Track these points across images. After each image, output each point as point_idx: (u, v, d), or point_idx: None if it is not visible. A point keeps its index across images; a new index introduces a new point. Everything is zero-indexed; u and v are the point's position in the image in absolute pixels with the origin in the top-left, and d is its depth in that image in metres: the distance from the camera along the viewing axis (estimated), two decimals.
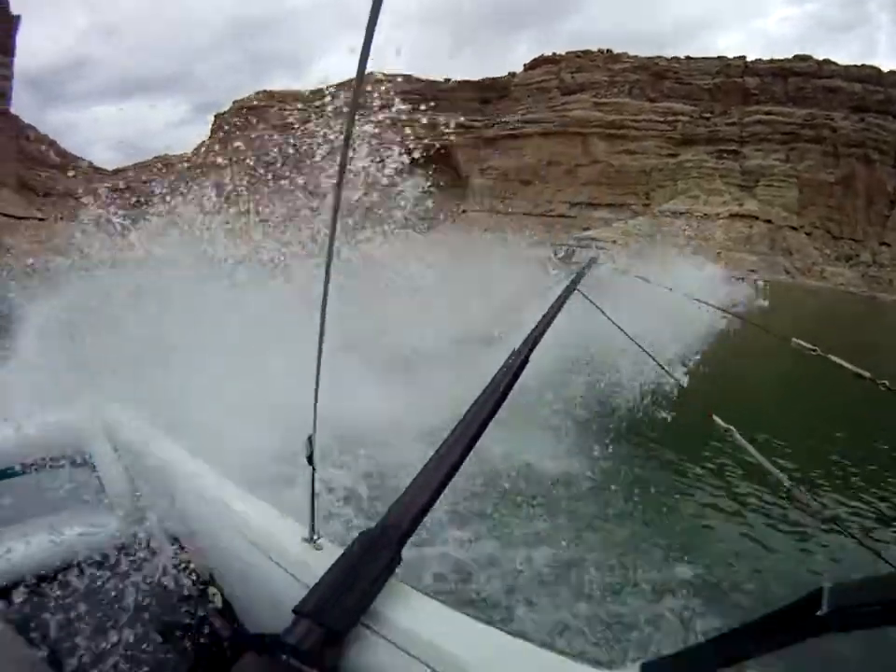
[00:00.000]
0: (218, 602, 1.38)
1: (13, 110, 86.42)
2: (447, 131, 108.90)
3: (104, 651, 1.43)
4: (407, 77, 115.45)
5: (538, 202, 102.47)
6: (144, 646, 1.38)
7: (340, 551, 0.92)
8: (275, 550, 1.13)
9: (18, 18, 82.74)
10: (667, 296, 3.56)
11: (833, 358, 1.52)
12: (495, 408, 1.11)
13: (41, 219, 78.87)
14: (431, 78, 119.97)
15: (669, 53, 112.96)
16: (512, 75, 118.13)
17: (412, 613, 0.85)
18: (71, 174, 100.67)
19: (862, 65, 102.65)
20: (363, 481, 4.57)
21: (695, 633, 2.97)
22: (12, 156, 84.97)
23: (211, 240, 7.76)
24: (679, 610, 3.12)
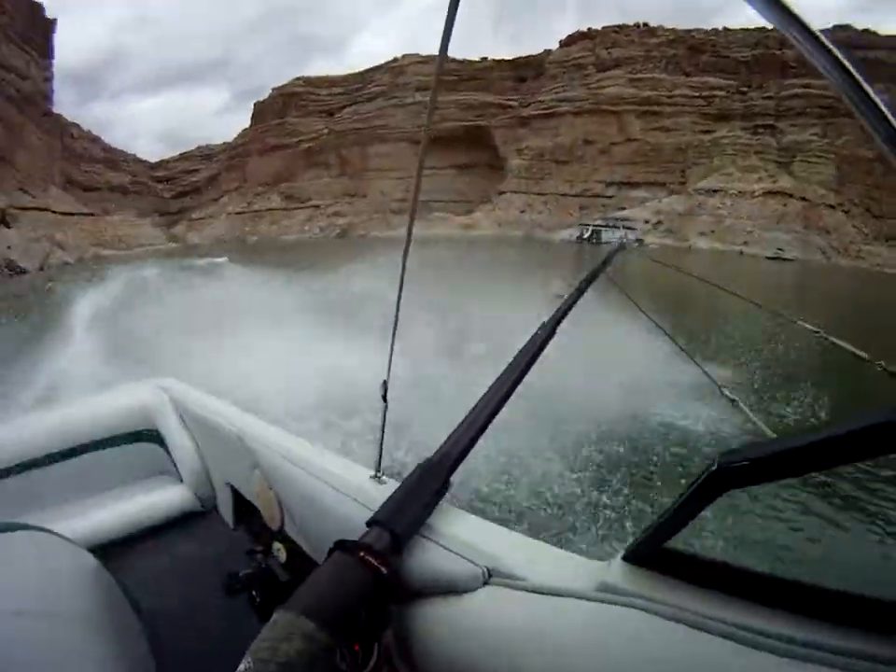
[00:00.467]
0: (282, 557, 1.53)
1: (55, 109, 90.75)
2: (482, 112, 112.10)
3: (176, 609, 1.63)
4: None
5: (574, 182, 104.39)
6: (213, 601, 1.54)
7: (398, 483, 1.12)
8: (345, 486, 1.29)
9: (54, 21, 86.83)
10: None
11: (835, 339, 1.67)
12: (525, 370, 1.35)
13: (89, 214, 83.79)
14: (469, 59, 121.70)
15: (716, 24, 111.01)
16: (548, 52, 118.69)
17: (457, 526, 1.05)
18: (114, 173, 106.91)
19: None
20: None
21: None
22: (57, 154, 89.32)
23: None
24: None
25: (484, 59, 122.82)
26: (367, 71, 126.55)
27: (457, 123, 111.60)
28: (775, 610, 0.63)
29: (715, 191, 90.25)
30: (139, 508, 2.19)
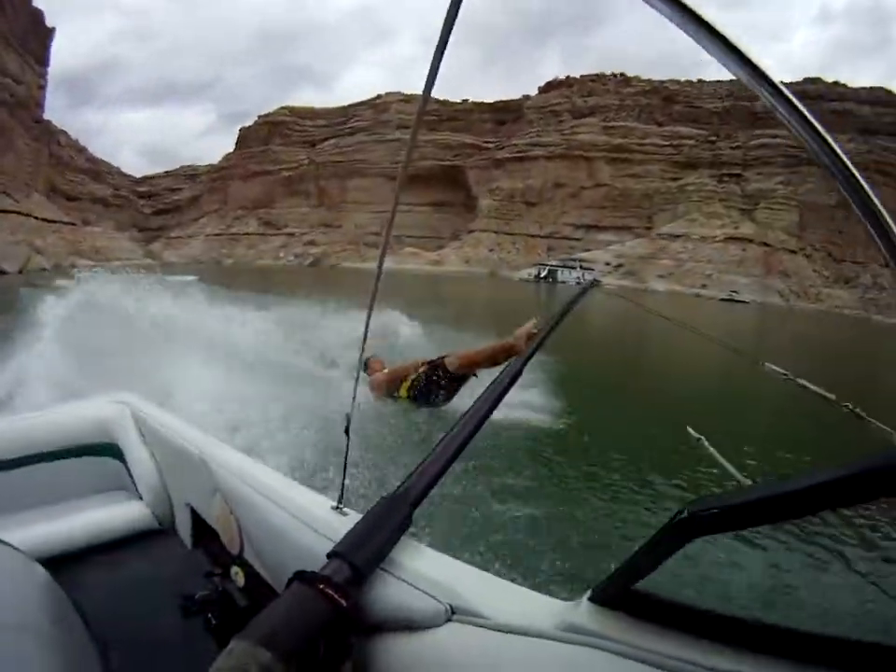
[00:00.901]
0: (240, 581, 1.50)
1: (45, 113, 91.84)
2: (458, 152, 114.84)
3: (129, 627, 1.56)
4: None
5: (542, 223, 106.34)
6: (168, 622, 1.50)
7: (361, 516, 1.10)
8: (307, 515, 1.26)
9: (53, 30, 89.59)
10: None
11: (802, 381, 1.66)
12: (491, 408, 1.34)
13: (69, 223, 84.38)
14: (450, 100, 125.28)
15: (697, 75, 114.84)
16: (527, 97, 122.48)
17: (420, 561, 1.03)
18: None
19: (872, 88, 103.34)
20: None
21: None
22: (44, 161, 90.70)
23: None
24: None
25: (465, 101, 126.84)
26: (350, 106, 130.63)
27: (435, 162, 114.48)
28: (744, 653, 0.63)
29: (678, 236, 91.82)
30: (94, 521, 2.12)
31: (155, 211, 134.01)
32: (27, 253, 55.73)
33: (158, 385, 5.09)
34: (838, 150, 0.47)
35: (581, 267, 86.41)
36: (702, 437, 1.69)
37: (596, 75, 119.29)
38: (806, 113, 0.47)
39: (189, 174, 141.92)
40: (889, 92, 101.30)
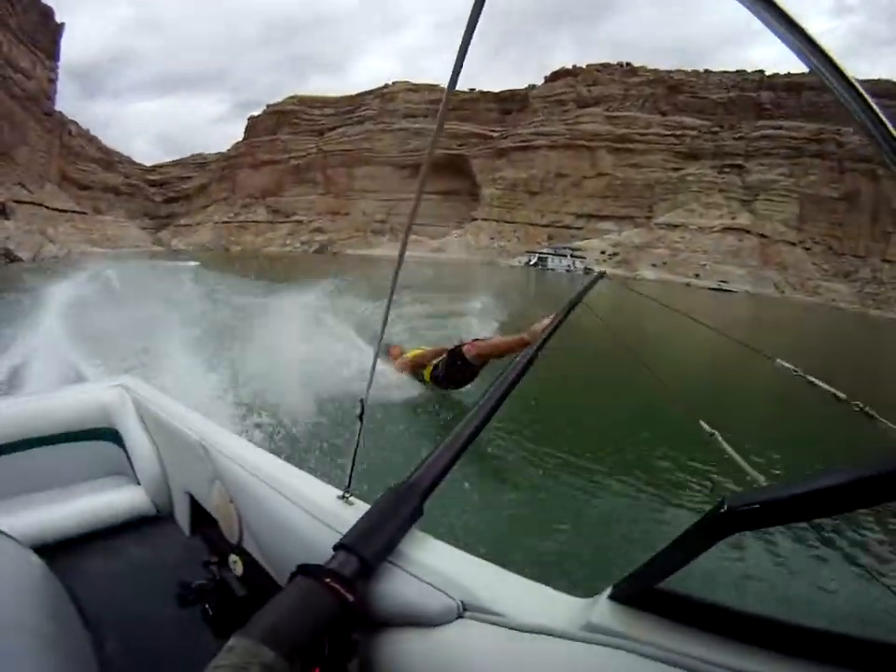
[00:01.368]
0: (239, 570, 1.47)
1: (57, 104, 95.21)
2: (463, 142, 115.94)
3: (124, 616, 1.54)
4: (432, 87, 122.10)
5: (544, 212, 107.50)
6: (164, 611, 1.45)
7: (368, 506, 1.06)
8: (311, 505, 1.21)
9: (62, 25, 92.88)
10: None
11: (812, 379, 1.65)
12: (502, 398, 1.33)
13: (81, 212, 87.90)
14: (458, 89, 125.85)
15: (708, 65, 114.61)
16: (532, 87, 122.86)
17: (430, 554, 0.99)
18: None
19: (878, 80, 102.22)
20: None
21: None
22: (56, 152, 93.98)
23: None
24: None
25: (472, 90, 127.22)
26: (358, 95, 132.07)
27: (441, 151, 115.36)
28: (770, 654, 0.62)
29: (675, 226, 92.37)
30: (91, 507, 2.09)
31: (165, 199, 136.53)
32: (40, 241, 57.87)
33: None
34: None
35: (571, 255, 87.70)
36: (715, 432, 1.69)
37: (602, 64, 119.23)
38: (875, 107, 0.46)
39: (199, 162, 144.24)
40: (894, 84, 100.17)
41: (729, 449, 1.56)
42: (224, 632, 0.75)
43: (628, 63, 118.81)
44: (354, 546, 0.94)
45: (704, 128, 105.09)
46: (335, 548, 0.95)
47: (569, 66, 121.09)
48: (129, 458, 2.34)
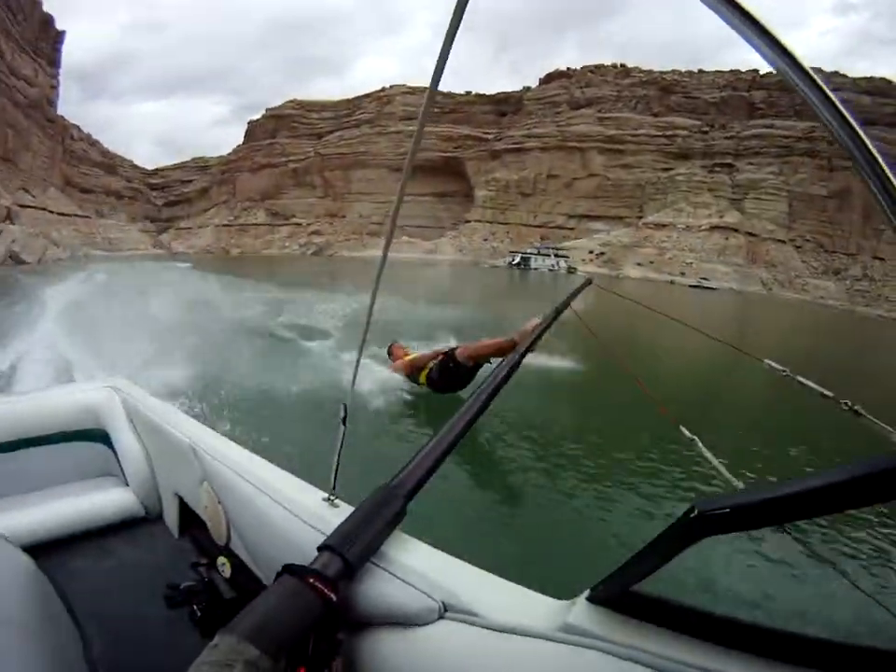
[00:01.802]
0: (227, 572, 1.47)
1: (59, 107, 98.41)
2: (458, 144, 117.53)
3: (112, 617, 1.54)
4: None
5: (536, 213, 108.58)
6: (152, 612, 1.44)
7: (353, 508, 1.07)
8: (297, 507, 1.22)
9: (63, 32, 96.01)
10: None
11: (801, 379, 1.60)
12: (488, 401, 1.36)
13: (83, 216, 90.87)
14: (453, 92, 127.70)
15: (707, 65, 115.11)
16: (527, 89, 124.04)
17: (412, 556, 1.01)
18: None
19: (872, 78, 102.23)
20: None
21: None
22: (58, 157, 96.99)
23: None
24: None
25: (468, 93, 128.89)
26: (356, 98, 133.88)
27: (437, 154, 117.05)
28: (741, 655, 0.63)
29: (663, 225, 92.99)
30: (81, 508, 2.07)
31: (167, 202, 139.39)
32: (45, 245, 60.11)
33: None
34: (867, 141, 0.46)
35: (555, 255, 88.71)
36: (695, 437, 1.67)
37: (596, 66, 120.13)
38: (836, 100, 0.46)
39: (201, 165, 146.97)
40: (888, 82, 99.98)
41: (708, 454, 1.59)
42: (211, 633, 0.75)
43: (622, 65, 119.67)
44: (337, 547, 0.94)
45: (695, 128, 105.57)
46: (319, 549, 0.96)
47: (563, 69, 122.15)
48: (118, 459, 2.33)
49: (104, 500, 2.15)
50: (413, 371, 5.87)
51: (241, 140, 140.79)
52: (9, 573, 1.28)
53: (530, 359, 1.88)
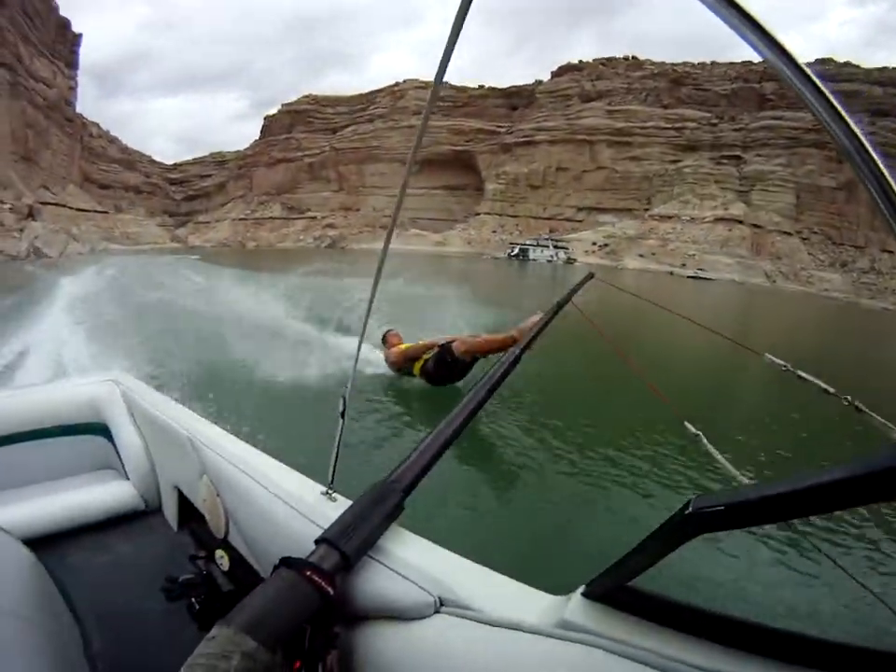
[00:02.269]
0: (225, 565, 1.46)
1: (78, 105, 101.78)
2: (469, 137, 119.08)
3: (111, 611, 1.55)
4: (441, 84, 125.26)
5: (546, 206, 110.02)
6: (151, 605, 1.45)
7: (351, 502, 1.07)
8: (295, 500, 1.22)
9: (80, 35, 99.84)
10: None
11: (802, 374, 1.60)
12: (487, 395, 1.34)
13: (102, 212, 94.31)
14: (466, 85, 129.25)
15: (725, 57, 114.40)
16: (539, 82, 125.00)
17: (409, 550, 1.00)
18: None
19: (884, 68, 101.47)
20: None
21: None
22: (77, 155, 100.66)
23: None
24: None
25: (481, 86, 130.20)
26: (371, 93, 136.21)
27: (449, 147, 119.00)
28: (736, 653, 0.63)
29: (669, 217, 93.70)
30: (80, 501, 2.08)
31: (185, 197, 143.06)
32: (66, 240, 63.31)
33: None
34: (860, 134, 0.46)
35: (554, 246, 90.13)
36: (700, 433, 1.66)
37: (608, 58, 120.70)
38: (828, 93, 0.47)
39: (219, 160, 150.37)
40: None
41: (713, 450, 1.59)
42: (209, 626, 0.75)
43: (634, 57, 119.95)
44: (335, 540, 0.95)
45: (704, 120, 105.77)
46: (317, 542, 0.96)
47: (575, 62, 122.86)
48: (118, 453, 2.33)
49: (103, 493, 2.16)
50: (406, 362, 5.77)
51: (259, 135, 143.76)
52: (9, 566, 1.30)
53: (530, 354, 1.97)
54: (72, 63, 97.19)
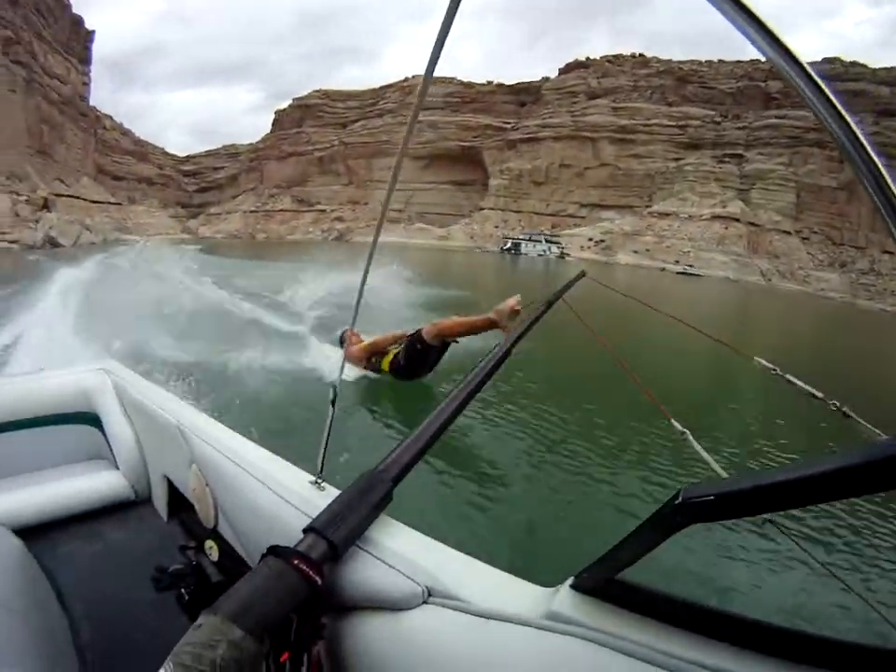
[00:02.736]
0: (214, 555, 1.45)
1: (91, 98, 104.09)
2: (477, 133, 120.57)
3: (101, 600, 1.55)
4: (450, 80, 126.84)
5: (549, 202, 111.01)
6: (140, 595, 1.44)
7: (339, 491, 1.07)
8: (284, 489, 1.21)
9: (93, 32, 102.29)
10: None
11: (790, 378, 1.63)
12: (477, 388, 1.36)
13: (115, 203, 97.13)
14: (473, 81, 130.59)
15: (738, 56, 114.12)
16: (546, 79, 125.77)
17: (397, 540, 1.00)
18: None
19: (891, 68, 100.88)
20: None
21: None
22: (91, 148, 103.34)
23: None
24: None
25: (489, 82, 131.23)
26: (380, 88, 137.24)
27: (457, 143, 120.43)
28: (722, 645, 0.62)
29: (667, 214, 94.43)
30: (70, 491, 2.07)
31: (198, 189, 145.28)
32: (79, 230, 65.59)
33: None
34: (860, 135, 0.47)
35: (546, 241, 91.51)
36: (686, 431, 1.67)
37: (614, 56, 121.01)
38: (829, 93, 0.47)
39: (231, 153, 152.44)
40: None
41: (699, 448, 1.60)
42: (198, 617, 0.74)
43: (641, 54, 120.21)
44: (323, 530, 0.94)
45: (708, 118, 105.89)
46: (305, 531, 0.96)
47: (582, 59, 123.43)
48: (108, 442, 2.32)
49: (94, 483, 2.15)
50: (370, 359, 5.52)
51: (270, 128, 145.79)
52: None
53: (520, 346, 1.92)
54: (85, 59, 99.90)
